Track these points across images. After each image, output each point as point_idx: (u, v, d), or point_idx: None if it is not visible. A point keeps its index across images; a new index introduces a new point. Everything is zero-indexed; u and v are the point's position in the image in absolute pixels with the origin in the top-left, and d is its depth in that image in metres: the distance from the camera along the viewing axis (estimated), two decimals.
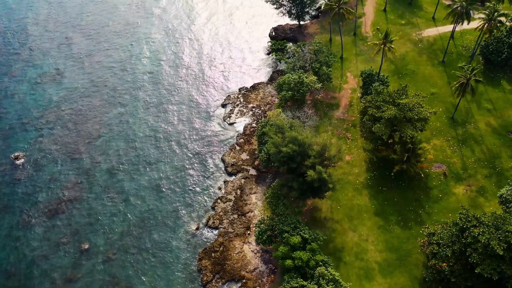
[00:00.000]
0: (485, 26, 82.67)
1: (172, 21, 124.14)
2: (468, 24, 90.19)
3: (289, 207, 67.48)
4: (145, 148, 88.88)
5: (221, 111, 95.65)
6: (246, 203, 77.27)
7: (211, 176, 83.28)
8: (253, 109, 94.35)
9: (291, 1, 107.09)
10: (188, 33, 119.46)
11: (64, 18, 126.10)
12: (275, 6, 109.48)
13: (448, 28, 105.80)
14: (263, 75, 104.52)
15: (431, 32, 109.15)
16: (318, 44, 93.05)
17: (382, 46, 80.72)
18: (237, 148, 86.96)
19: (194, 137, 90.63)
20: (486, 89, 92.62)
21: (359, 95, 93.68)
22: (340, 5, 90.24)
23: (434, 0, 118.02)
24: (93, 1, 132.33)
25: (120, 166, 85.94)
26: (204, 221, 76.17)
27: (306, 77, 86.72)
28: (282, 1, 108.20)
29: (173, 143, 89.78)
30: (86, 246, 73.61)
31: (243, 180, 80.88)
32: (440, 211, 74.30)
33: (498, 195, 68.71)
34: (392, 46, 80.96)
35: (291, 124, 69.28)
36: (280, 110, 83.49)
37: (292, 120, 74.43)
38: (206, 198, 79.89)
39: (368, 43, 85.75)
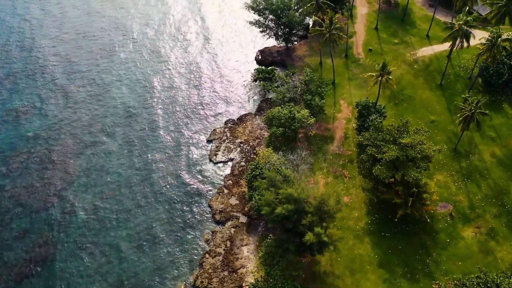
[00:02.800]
0: (487, 52, 76.75)
1: (151, 50, 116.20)
2: (467, 47, 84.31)
3: (286, 270, 60.37)
4: (122, 195, 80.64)
5: (207, 148, 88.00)
6: (237, 258, 69.98)
7: (198, 226, 75.69)
8: (241, 145, 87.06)
9: (277, 24, 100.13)
10: (168, 60, 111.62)
11: (47, 36, 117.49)
12: (260, 29, 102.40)
13: (444, 46, 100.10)
14: (250, 105, 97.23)
15: (426, 51, 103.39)
16: (309, 74, 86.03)
17: (379, 78, 74.19)
18: (225, 191, 79.59)
19: (178, 180, 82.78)
20: (491, 116, 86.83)
21: (354, 125, 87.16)
22: (331, 31, 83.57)
23: (427, 16, 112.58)
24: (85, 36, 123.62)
25: (95, 217, 77.75)
26: (191, 280, 68.54)
27: (298, 112, 79.89)
28: (268, 23, 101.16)
29: (154, 187, 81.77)
30: None
31: (233, 230, 73.57)
32: (449, 258, 68.07)
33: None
34: (390, 77, 74.53)
35: (284, 175, 62.17)
36: (271, 150, 76.42)
37: (285, 168, 67.36)
38: (192, 252, 72.28)
39: (365, 75, 79.19)
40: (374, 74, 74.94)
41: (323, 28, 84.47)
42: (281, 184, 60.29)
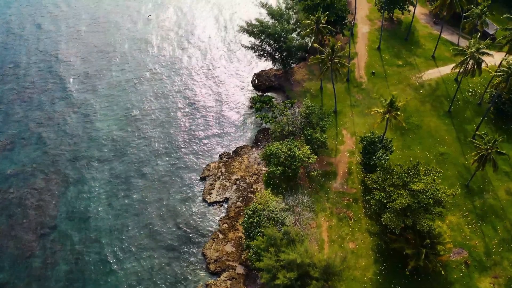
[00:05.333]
0: (502, 83, 70.99)
1: (140, 75, 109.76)
2: (479, 75, 78.55)
3: None
4: (107, 243, 73.52)
5: (200, 187, 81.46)
6: None
7: (190, 278, 69.18)
8: (237, 182, 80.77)
9: (274, 48, 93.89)
10: (156, 84, 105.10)
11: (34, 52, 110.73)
12: (257, 53, 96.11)
13: (450, 68, 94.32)
14: (246, 136, 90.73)
15: (432, 74, 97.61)
16: (310, 107, 79.67)
17: (386, 115, 68.15)
18: (220, 236, 73.30)
19: (168, 224, 76.10)
20: (502, 146, 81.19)
21: (358, 159, 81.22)
22: (333, 59, 77.48)
23: (432, 35, 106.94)
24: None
25: (78, 267, 70.99)
26: None
27: (298, 149, 73.74)
28: (265, 47, 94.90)
29: (142, 233, 74.89)
30: None
31: (229, 282, 67.28)
32: None
33: None
34: (398, 113, 68.55)
35: (285, 232, 55.99)
36: (269, 193, 70.16)
37: (285, 216, 61.28)
38: None
39: (371, 112, 73.12)
40: (381, 110, 68.82)
41: (324, 56, 78.36)
42: (282, 242, 54.10)
